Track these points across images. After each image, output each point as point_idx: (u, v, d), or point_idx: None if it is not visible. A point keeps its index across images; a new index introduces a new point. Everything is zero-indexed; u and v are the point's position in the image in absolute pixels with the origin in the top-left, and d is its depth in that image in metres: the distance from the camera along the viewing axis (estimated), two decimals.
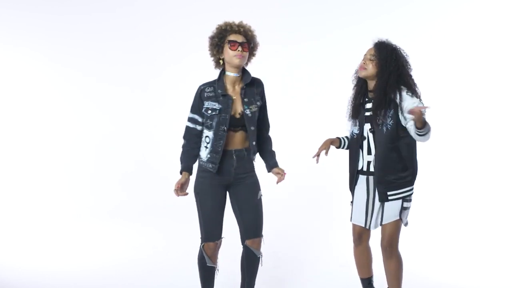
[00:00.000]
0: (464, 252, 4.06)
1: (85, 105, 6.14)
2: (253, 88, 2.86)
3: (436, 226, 4.61)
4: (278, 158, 2.97)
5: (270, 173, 2.92)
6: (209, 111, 2.75)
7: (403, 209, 2.77)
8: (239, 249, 2.96)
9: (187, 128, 2.85)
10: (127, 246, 4.44)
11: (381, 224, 2.79)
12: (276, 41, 5.53)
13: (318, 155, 2.90)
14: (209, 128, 2.77)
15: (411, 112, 2.42)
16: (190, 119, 2.84)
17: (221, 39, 2.77)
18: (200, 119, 2.81)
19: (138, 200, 5.65)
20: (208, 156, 2.78)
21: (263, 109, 2.91)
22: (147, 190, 5.78)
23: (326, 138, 2.99)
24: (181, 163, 2.85)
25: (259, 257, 2.95)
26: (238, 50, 2.72)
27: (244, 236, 2.91)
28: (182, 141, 2.90)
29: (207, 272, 2.88)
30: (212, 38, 2.81)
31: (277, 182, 2.84)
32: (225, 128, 2.74)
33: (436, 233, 4.48)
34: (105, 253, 4.23)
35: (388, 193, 2.74)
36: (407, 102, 2.66)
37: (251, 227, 2.89)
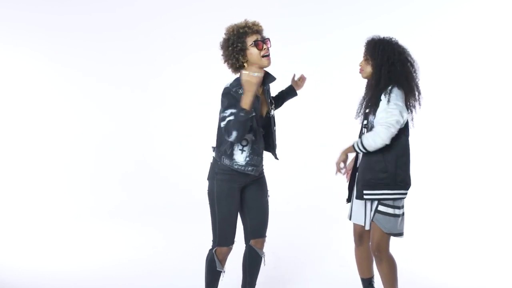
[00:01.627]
0: (464, 252, 4.06)
1: (85, 105, 6.14)
2: (269, 88, 2.87)
3: (436, 225, 4.61)
4: (278, 157, 2.98)
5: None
6: None
7: (378, 211, 2.72)
8: (240, 249, 2.96)
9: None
10: (127, 246, 4.44)
11: (363, 224, 2.84)
12: (276, 41, 5.52)
13: (340, 171, 2.81)
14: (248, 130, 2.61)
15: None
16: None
17: (243, 43, 2.63)
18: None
19: (138, 200, 5.66)
20: (248, 159, 2.67)
21: None
22: (147, 190, 5.79)
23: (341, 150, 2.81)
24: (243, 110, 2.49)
25: (262, 257, 2.95)
26: (265, 48, 2.65)
27: (249, 236, 2.90)
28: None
29: (214, 276, 2.85)
30: (232, 45, 2.63)
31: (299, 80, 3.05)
32: (261, 128, 2.70)
33: (436, 233, 4.48)
34: (105, 253, 4.23)
35: (364, 191, 2.72)
36: (380, 107, 2.62)
37: (258, 227, 2.88)
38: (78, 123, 6.12)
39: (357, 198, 2.77)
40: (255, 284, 3.00)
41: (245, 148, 2.66)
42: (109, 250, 4.33)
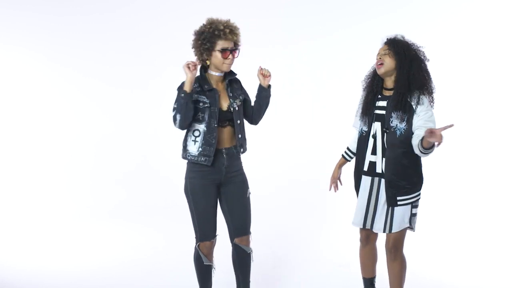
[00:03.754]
0: (465, 252, 4.06)
1: (85, 105, 6.14)
2: (233, 84, 2.92)
3: (436, 225, 4.61)
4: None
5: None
6: (201, 104, 2.74)
7: (412, 215, 2.76)
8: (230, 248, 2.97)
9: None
10: (127, 246, 4.44)
11: (390, 232, 2.73)
12: (276, 41, 5.54)
13: (335, 185, 3.05)
14: (200, 122, 2.75)
15: (430, 132, 2.33)
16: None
17: (212, 44, 2.72)
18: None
19: (138, 200, 5.66)
20: (200, 149, 2.75)
21: (248, 102, 2.98)
22: (147, 190, 5.79)
23: (334, 166, 3.09)
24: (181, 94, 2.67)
25: (250, 253, 2.96)
26: (229, 58, 2.74)
27: (233, 235, 2.93)
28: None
29: (204, 272, 2.90)
30: (203, 40, 2.72)
31: (262, 75, 2.92)
32: (216, 121, 2.75)
33: (436, 233, 4.48)
34: (105, 253, 4.23)
35: (398, 198, 2.70)
36: (422, 112, 2.63)
37: (240, 226, 2.91)
38: (78, 123, 6.12)
39: (389, 205, 2.71)
40: (249, 281, 3.02)
41: (197, 139, 2.75)
42: (109, 250, 4.33)
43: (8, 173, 5.81)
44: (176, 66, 6.12)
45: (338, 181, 3.12)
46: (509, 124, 5.09)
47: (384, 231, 2.76)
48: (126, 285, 3.60)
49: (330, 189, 3.10)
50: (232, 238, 2.95)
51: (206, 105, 2.73)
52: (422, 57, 2.75)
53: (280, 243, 4.28)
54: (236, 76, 2.93)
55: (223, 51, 2.72)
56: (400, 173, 2.68)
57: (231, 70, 2.87)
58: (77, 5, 6.11)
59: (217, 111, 2.75)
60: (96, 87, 6.14)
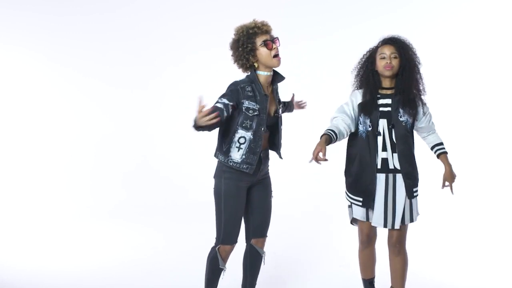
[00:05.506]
0: (465, 252, 4.06)
1: (85, 105, 6.15)
2: (277, 88, 2.90)
3: (436, 225, 4.62)
4: (277, 158, 2.99)
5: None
6: (250, 111, 2.65)
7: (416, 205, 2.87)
8: (240, 248, 2.97)
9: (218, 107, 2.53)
10: (127, 246, 4.44)
11: (412, 221, 2.81)
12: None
13: (316, 158, 2.56)
14: (247, 129, 2.66)
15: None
16: (223, 104, 2.56)
17: (252, 44, 2.67)
18: (230, 110, 2.58)
19: (138, 200, 5.66)
20: (244, 157, 2.68)
21: None
22: (147, 190, 5.79)
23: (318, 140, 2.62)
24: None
25: (262, 256, 2.96)
26: (274, 48, 2.69)
27: (251, 235, 2.92)
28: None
29: (215, 273, 2.86)
30: (242, 46, 2.67)
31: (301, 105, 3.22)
32: (264, 128, 2.71)
33: (436, 233, 4.49)
34: (105, 253, 4.23)
35: (414, 189, 2.78)
36: (426, 116, 2.85)
37: (260, 227, 2.90)
38: (78, 123, 6.12)
39: (410, 197, 2.77)
40: (255, 283, 3.01)
41: (242, 146, 2.68)
42: (109, 250, 4.33)
43: (8, 173, 5.82)
44: (176, 66, 6.21)
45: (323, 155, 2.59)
46: (509, 124, 5.10)
47: (404, 223, 2.78)
48: (126, 285, 3.60)
49: (310, 161, 2.54)
50: (248, 239, 2.93)
51: (255, 113, 2.65)
52: (418, 62, 2.83)
53: (281, 243, 4.28)
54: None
55: (265, 43, 2.67)
56: (412, 164, 2.79)
57: (279, 74, 2.81)
58: (77, 5, 6.11)
59: (265, 117, 2.70)
60: (96, 87, 6.14)
